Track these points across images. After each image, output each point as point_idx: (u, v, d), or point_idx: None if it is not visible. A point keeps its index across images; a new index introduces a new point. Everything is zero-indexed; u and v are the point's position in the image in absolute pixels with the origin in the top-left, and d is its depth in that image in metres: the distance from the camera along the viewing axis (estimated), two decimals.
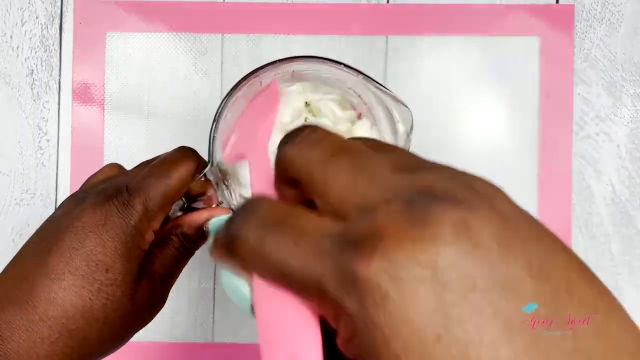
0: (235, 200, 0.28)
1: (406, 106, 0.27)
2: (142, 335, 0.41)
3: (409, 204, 0.13)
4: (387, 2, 0.42)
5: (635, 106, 0.41)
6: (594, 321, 0.12)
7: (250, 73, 0.28)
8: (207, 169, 0.27)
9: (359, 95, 0.31)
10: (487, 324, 0.12)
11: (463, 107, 0.42)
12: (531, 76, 0.42)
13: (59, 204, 0.42)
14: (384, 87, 0.28)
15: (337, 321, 0.13)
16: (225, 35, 0.42)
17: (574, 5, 0.41)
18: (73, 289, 0.23)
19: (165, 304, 0.42)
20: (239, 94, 0.28)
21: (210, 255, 0.17)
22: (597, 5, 0.41)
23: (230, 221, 0.15)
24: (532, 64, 0.41)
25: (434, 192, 0.13)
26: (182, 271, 0.42)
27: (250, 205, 0.15)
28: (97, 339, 0.24)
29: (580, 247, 0.41)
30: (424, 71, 0.42)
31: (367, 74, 0.28)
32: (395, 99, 0.28)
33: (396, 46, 0.42)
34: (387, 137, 0.29)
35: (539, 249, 0.13)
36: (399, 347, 0.12)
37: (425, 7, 0.42)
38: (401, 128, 0.28)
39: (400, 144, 0.28)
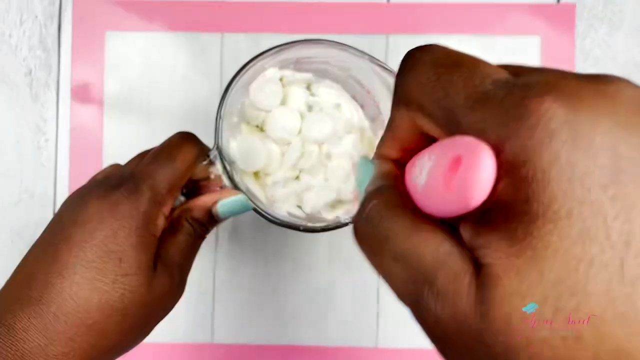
0: (241, 185, 0.28)
1: None
2: None
3: (580, 75, 0.12)
4: (387, 1, 0.42)
5: None
6: None
7: (255, 57, 0.27)
8: (212, 153, 0.27)
9: (361, 82, 0.30)
10: None
11: None
12: None
13: (58, 203, 0.41)
14: (388, 66, 0.27)
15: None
16: (224, 34, 0.41)
17: (575, 4, 0.41)
18: (87, 283, 0.23)
19: None
20: (243, 78, 0.28)
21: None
22: (598, 5, 0.41)
23: (403, 59, 0.15)
24: (532, 64, 0.41)
25: (608, 76, 0.12)
26: None
27: (426, 47, 0.15)
28: (118, 331, 0.23)
29: None
30: None
31: (373, 56, 0.28)
32: None
33: (396, 46, 0.41)
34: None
35: None
36: (559, 189, 0.11)
37: (425, 6, 0.42)
38: None
39: None
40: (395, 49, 0.41)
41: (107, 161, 0.41)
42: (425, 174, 0.13)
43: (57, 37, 0.42)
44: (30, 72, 0.42)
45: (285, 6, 0.42)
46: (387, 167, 0.16)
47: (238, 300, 0.41)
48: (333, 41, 0.28)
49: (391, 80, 0.27)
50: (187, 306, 0.41)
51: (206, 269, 0.41)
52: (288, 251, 0.41)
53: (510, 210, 0.11)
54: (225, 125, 0.27)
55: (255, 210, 0.27)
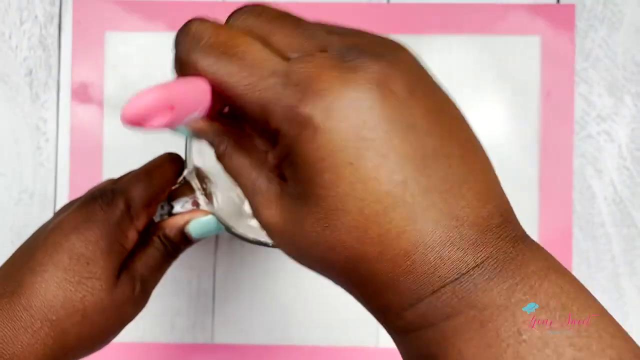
0: (215, 204, 0.29)
1: None
2: (142, 336, 0.41)
3: (340, 54, 0.16)
4: (387, 1, 0.42)
5: (637, 105, 0.41)
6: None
7: None
8: (185, 172, 0.28)
9: None
10: (390, 155, 0.15)
11: (463, 107, 0.41)
12: (532, 76, 0.41)
13: (58, 203, 0.41)
14: None
15: (274, 143, 0.17)
16: None
17: (574, 4, 0.41)
18: (55, 280, 0.24)
19: (165, 304, 0.42)
20: None
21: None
22: (598, 5, 0.41)
23: (176, 44, 0.19)
24: (532, 64, 0.41)
25: (361, 48, 0.16)
26: (182, 272, 0.42)
27: (194, 28, 0.18)
28: (77, 332, 0.25)
29: (581, 247, 0.41)
30: None
31: None
32: None
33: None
34: None
35: (435, 98, 0.17)
36: (319, 167, 0.16)
37: (425, 6, 0.42)
38: None
39: None
40: None
41: (107, 161, 0.41)
42: None
43: (57, 38, 0.42)
44: (30, 72, 0.42)
45: (285, 7, 0.42)
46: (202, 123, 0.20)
47: (238, 300, 0.41)
48: None
49: None
50: (187, 307, 0.41)
51: (206, 269, 0.41)
52: None
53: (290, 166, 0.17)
54: (195, 148, 0.28)
55: (227, 230, 0.28)
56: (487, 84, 0.41)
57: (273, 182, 0.18)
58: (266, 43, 0.17)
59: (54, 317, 0.24)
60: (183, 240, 0.29)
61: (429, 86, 0.17)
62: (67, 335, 0.25)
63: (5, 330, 0.24)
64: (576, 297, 0.16)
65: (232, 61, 0.17)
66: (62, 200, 0.41)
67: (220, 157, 0.20)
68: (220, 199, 0.30)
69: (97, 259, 0.25)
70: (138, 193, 0.27)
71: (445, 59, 0.41)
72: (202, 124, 0.19)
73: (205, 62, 0.17)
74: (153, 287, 0.28)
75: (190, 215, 0.28)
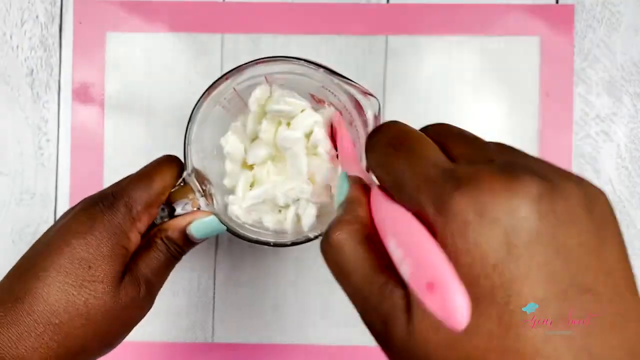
0: (216, 205, 0.29)
1: (374, 97, 0.28)
2: (142, 335, 0.41)
3: (508, 166, 0.16)
4: (387, 2, 0.42)
5: (635, 106, 0.41)
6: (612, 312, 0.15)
7: (214, 82, 0.28)
8: (185, 174, 0.28)
9: (333, 93, 0.31)
10: (535, 270, 0.15)
11: (463, 107, 0.42)
12: (531, 76, 0.42)
13: (58, 203, 0.42)
14: (349, 80, 0.28)
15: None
16: (225, 35, 0.42)
17: (573, 5, 0.41)
18: (57, 285, 0.25)
19: (165, 304, 0.42)
20: (207, 102, 0.29)
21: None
22: (596, 5, 0.41)
23: (368, 137, 0.19)
24: (532, 64, 0.41)
25: (529, 167, 0.16)
26: (182, 272, 0.42)
27: (383, 127, 0.19)
28: (81, 335, 0.25)
29: None
30: (424, 71, 0.42)
31: (331, 69, 0.28)
32: (362, 91, 0.28)
33: (396, 46, 0.42)
34: (359, 129, 0.30)
35: (599, 234, 0.15)
36: (465, 263, 0.15)
37: (425, 7, 0.42)
38: (369, 113, 0.28)
39: (370, 127, 0.28)
40: (395, 49, 0.42)
41: (107, 161, 0.42)
42: (402, 271, 0.16)
43: (58, 38, 0.42)
44: (31, 73, 0.42)
45: (285, 7, 0.42)
46: (357, 193, 0.20)
47: (238, 300, 0.41)
48: (290, 57, 0.28)
49: (352, 90, 0.29)
50: (187, 306, 0.41)
51: (206, 268, 0.41)
52: (288, 250, 0.41)
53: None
54: (194, 150, 0.29)
55: (228, 230, 0.28)
56: (486, 84, 0.42)
57: (400, 288, 0.17)
58: (443, 150, 0.18)
59: (57, 321, 0.24)
60: (186, 242, 0.29)
61: (602, 223, 0.16)
62: (72, 338, 0.25)
63: (9, 334, 0.24)
64: None
65: (404, 154, 0.17)
66: (63, 200, 0.42)
67: (339, 242, 0.19)
68: (219, 198, 0.30)
69: (99, 262, 0.25)
70: (139, 195, 0.27)
71: (445, 59, 0.42)
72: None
73: (385, 152, 0.18)
74: (158, 290, 0.29)
75: (192, 216, 0.28)
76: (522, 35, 0.42)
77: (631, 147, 0.41)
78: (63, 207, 0.41)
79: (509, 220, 0.15)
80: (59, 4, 0.42)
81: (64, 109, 0.42)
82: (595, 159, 0.41)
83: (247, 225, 0.31)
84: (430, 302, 0.15)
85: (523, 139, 0.41)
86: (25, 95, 0.42)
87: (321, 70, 0.28)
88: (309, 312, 0.41)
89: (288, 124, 0.30)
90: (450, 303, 0.14)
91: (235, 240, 0.41)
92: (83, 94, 0.42)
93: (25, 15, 0.42)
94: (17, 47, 0.42)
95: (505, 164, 0.16)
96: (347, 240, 0.18)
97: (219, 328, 0.41)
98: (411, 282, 0.16)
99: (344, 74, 0.28)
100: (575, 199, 0.15)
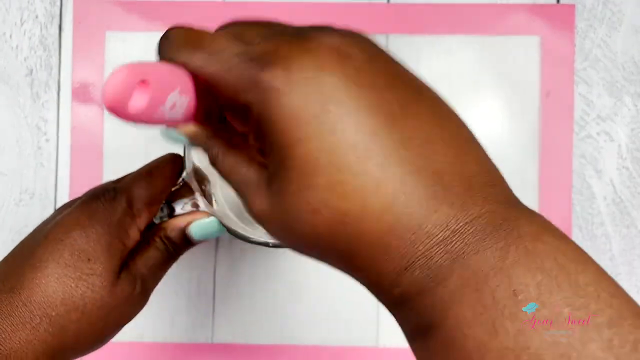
0: (215, 205, 0.29)
1: None
2: (142, 335, 0.41)
3: (297, 32, 0.17)
4: (387, 1, 0.42)
5: (636, 106, 0.41)
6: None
7: None
8: (184, 174, 0.28)
9: None
10: (354, 109, 0.16)
11: (463, 107, 0.41)
12: (531, 76, 0.41)
13: (58, 203, 0.42)
14: None
15: (246, 119, 0.17)
16: None
17: (574, 4, 0.41)
18: (55, 276, 0.24)
19: (165, 304, 0.42)
20: None
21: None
22: (597, 5, 0.41)
23: (158, 47, 0.19)
24: (532, 64, 0.41)
25: (318, 27, 0.17)
26: (182, 272, 0.42)
27: (172, 32, 0.19)
28: (76, 329, 0.25)
29: (580, 246, 0.41)
30: (424, 71, 0.41)
31: None
32: None
33: (396, 46, 0.41)
34: None
35: (392, 65, 0.18)
36: (286, 128, 0.16)
37: (425, 7, 0.42)
38: None
39: None
40: (395, 49, 0.41)
41: (107, 161, 0.42)
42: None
43: (58, 38, 0.42)
44: (30, 73, 0.42)
45: (285, 6, 0.42)
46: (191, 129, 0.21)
47: (238, 300, 0.41)
48: None
49: None
50: (187, 306, 0.41)
51: (206, 268, 0.41)
52: (288, 251, 0.41)
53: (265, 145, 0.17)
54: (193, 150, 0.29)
55: (228, 231, 0.28)
56: (487, 84, 0.41)
57: (261, 172, 0.18)
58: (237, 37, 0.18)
59: (53, 313, 0.24)
60: (184, 242, 0.29)
61: (384, 54, 0.18)
62: (66, 332, 0.25)
63: (4, 325, 0.23)
64: (573, 257, 0.16)
65: (201, 51, 0.17)
66: (63, 200, 0.41)
67: (213, 161, 0.20)
68: (220, 199, 0.30)
69: (98, 256, 0.25)
70: (140, 192, 0.27)
71: (445, 59, 0.42)
72: (193, 129, 0.20)
73: (180, 55, 0.18)
74: (153, 288, 0.28)
75: (192, 217, 0.28)
76: (522, 35, 0.41)
77: (632, 147, 0.41)
78: None
79: (315, 76, 0.16)
80: (58, 3, 0.42)
81: (64, 109, 0.42)
82: (596, 159, 0.41)
83: (244, 226, 0.31)
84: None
85: (523, 138, 0.41)
86: (24, 95, 0.42)
87: None
88: (309, 312, 0.41)
89: None
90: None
91: (235, 241, 0.41)
92: (82, 94, 0.42)
93: (25, 15, 0.42)
94: (17, 47, 0.42)
95: (296, 31, 0.17)
96: (215, 154, 0.20)
97: (219, 328, 0.41)
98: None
99: None
100: (363, 43, 0.17)
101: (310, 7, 0.42)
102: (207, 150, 0.20)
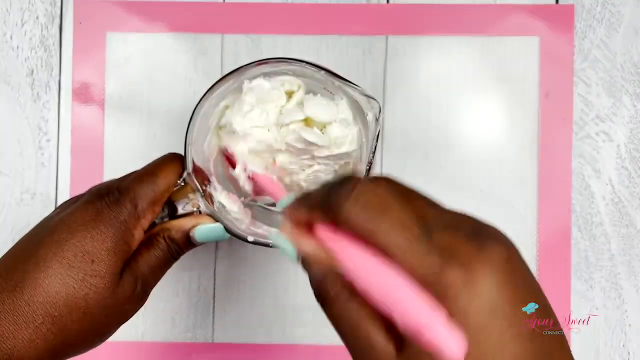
0: (215, 205, 0.29)
1: (374, 99, 0.28)
2: (142, 335, 0.41)
3: (472, 233, 0.18)
4: (387, 2, 0.42)
5: (635, 106, 0.41)
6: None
7: (215, 83, 0.29)
8: (185, 175, 0.28)
9: (332, 94, 0.31)
10: (509, 335, 0.17)
11: (463, 107, 0.42)
12: (531, 76, 0.42)
13: (59, 204, 0.42)
14: (350, 82, 0.28)
15: None
16: (225, 35, 0.42)
17: (573, 5, 0.41)
18: (59, 277, 0.24)
19: (165, 304, 0.42)
20: (207, 102, 0.29)
21: (288, 212, 0.20)
22: (596, 6, 0.42)
23: (332, 188, 0.19)
24: (531, 64, 0.41)
25: (484, 230, 0.18)
26: (182, 272, 0.42)
27: (354, 183, 0.19)
28: (77, 329, 0.25)
29: (579, 246, 0.41)
30: (424, 71, 0.42)
31: (332, 71, 0.28)
32: (362, 93, 0.28)
33: (396, 46, 0.42)
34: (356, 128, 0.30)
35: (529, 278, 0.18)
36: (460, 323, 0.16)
37: (425, 7, 0.42)
38: (370, 115, 0.28)
39: (371, 129, 0.28)
40: (395, 49, 0.42)
41: (108, 161, 0.42)
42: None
43: (59, 38, 0.42)
44: (31, 73, 0.42)
45: (285, 7, 0.42)
46: (310, 245, 0.20)
47: (238, 299, 0.41)
48: (290, 58, 0.28)
49: (352, 92, 0.28)
50: (188, 306, 0.41)
51: (206, 268, 0.41)
52: None
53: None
54: (194, 151, 0.29)
55: (228, 231, 0.29)
56: (486, 84, 0.42)
57: (390, 344, 0.18)
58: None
59: (56, 313, 0.24)
60: (186, 243, 0.29)
61: (526, 271, 0.19)
62: (68, 331, 0.25)
63: (7, 324, 0.23)
64: None
65: (385, 225, 0.18)
66: (63, 200, 0.41)
67: (330, 300, 0.19)
68: (216, 202, 0.30)
69: (102, 258, 0.25)
70: (144, 192, 0.27)
71: (444, 59, 0.42)
72: (322, 254, 0.19)
73: (368, 225, 0.18)
74: (152, 287, 0.29)
75: (197, 220, 0.29)
76: (522, 35, 0.42)
77: (631, 147, 0.41)
78: None
79: (489, 289, 0.17)
80: (59, 4, 0.42)
81: (64, 109, 0.42)
82: (595, 159, 0.41)
83: (244, 226, 0.31)
84: (424, 344, 0.16)
85: (523, 139, 0.41)
86: (25, 96, 0.42)
87: (322, 72, 0.28)
88: (309, 312, 0.41)
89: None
90: (440, 341, 0.16)
91: (235, 241, 0.41)
92: (83, 94, 0.42)
93: (26, 15, 0.42)
94: (18, 47, 0.42)
95: (469, 232, 0.18)
96: (344, 294, 0.19)
97: (219, 328, 0.41)
98: (403, 329, 0.17)
99: (344, 76, 0.28)
100: (515, 256, 0.18)
101: (311, 8, 0.42)
102: (324, 283, 0.19)
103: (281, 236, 0.20)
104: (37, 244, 0.26)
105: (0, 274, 0.25)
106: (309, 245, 0.20)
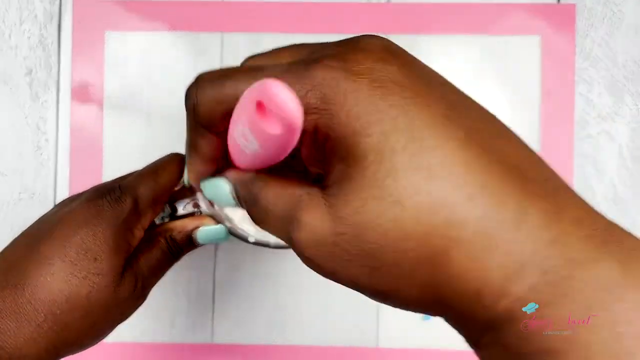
0: (217, 206, 0.29)
1: None
2: (142, 335, 0.41)
3: (343, 40, 0.17)
4: (387, 1, 0.42)
5: (637, 105, 0.41)
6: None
7: None
8: (185, 175, 0.28)
9: None
10: (431, 107, 0.16)
11: None
12: (532, 75, 0.41)
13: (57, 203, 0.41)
14: None
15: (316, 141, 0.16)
16: (225, 34, 0.41)
17: (575, 4, 0.41)
18: (61, 275, 0.24)
19: (165, 304, 0.42)
20: None
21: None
22: (598, 4, 0.41)
23: (187, 94, 0.18)
24: (533, 64, 0.41)
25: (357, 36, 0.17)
26: (182, 272, 0.42)
27: (199, 76, 0.18)
28: (78, 327, 0.25)
29: None
30: None
31: None
32: None
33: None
34: None
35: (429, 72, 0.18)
36: (358, 122, 0.15)
37: (425, 6, 0.42)
38: None
39: None
40: None
41: (107, 161, 0.41)
42: (252, 139, 0.16)
43: (57, 37, 0.42)
44: (30, 72, 0.42)
45: (285, 6, 0.42)
46: (232, 174, 0.19)
47: (238, 300, 0.41)
48: None
49: None
50: (187, 306, 0.41)
51: (206, 269, 0.41)
52: (288, 251, 0.41)
53: (329, 154, 0.16)
54: None
55: (232, 233, 0.29)
56: (487, 84, 0.41)
57: (316, 190, 0.16)
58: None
59: (58, 312, 0.24)
60: (188, 244, 0.29)
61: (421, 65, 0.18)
62: (70, 329, 0.25)
63: (9, 322, 0.23)
64: None
65: (261, 73, 0.17)
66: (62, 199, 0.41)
67: (255, 199, 0.18)
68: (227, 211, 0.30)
69: (104, 256, 0.25)
70: (145, 191, 0.27)
71: (445, 58, 0.41)
72: (238, 175, 0.19)
73: (243, 82, 0.17)
74: (152, 287, 0.29)
75: (199, 221, 0.29)
76: (523, 34, 0.41)
77: (632, 146, 0.41)
78: None
79: (371, 74, 0.15)
80: (57, 3, 0.42)
81: (63, 109, 0.42)
82: (597, 158, 0.41)
83: (246, 226, 0.31)
84: (262, 119, 0.15)
85: (524, 138, 0.41)
86: (24, 95, 0.42)
87: None
88: (308, 312, 0.41)
89: None
90: (283, 99, 0.14)
91: (235, 241, 0.41)
92: (82, 94, 0.42)
93: (24, 14, 0.42)
94: (16, 46, 0.42)
95: (339, 42, 0.17)
96: (244, 192, 0.19)
97: (219, 328, 0.41)
98: (238, 133, 0.16)
99: None
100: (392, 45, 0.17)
101: (311, 8, 0.41)
102: (246, 195, 0.18)
103: (207, 180, 0.20)
104: (38, 240, 0.25)
105: (1, 271, 0.25)
106: (230, 174, 0.19)
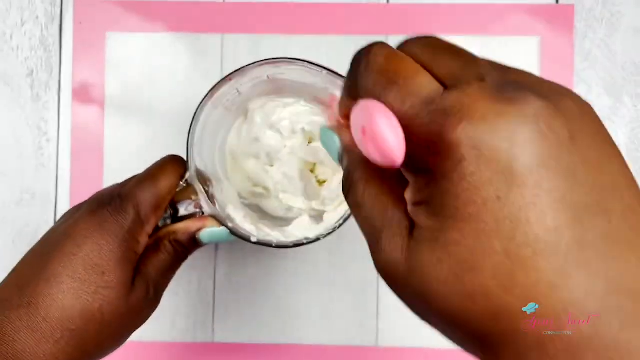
0: (219, 207, 0.29)
1: None
2: (142, 335, 0.41)
3: (500, 86, 0.15)
4: (387, 1, 0.42)
5: (636, 106, 0.41)
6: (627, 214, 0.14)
7: (217, 83, 0.29)
8: (187, 176, 0.28)
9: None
10: (542, 197, 0.14)
11: None
12: None
13: (59, 204, 0.42)
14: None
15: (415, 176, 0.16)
16: (225, 35, 0.42)
17: (573, 5, 0.41)
18: (72, 292, 0.25)
19: (165, 304, 0.42)
20: (210, 103, 0.29)
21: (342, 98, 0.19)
22: (597, 6, 0.41)
23: (352, 64, 0.17)
24: (531, 64, 0.41)
25: (523, 84, 0.15)
26: (182, 272, 0.42)
27: (371, 59, 0.17)
28: (96, 339, 0.25)
29: None
30: None
31: (334, 71, 0.28)
32: None
33: (396, 46, 0.41)
34: None
35: (600, 149, 0.15)
36: (462, 199, 0.14)
37: (425, 6, 0.42)
38: None
39: None
40: None
41: (108, 162, 0.42)
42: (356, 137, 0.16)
43: (59, 38, 0.42)
44: (31, 73, 0.42)
45: (285, 7, 0.42)
46: (348, 136, 0.19)
47: (238, 299, 0.41)
48: (292, 58, 0.28)
49: None
50: (188, 306, 0.41)
51: (206, 268, 0.41)
52: (288, 250, 0.41)
53: (432, 204, 0.15)
54: (196, 152, 0.29)
55: (230, 231, 0.29)
56: None
57: (405, 219, 0.16)
58: (430, 70, 0.16)
59: (73, 327, 0.24)
60: (192, 245, 0.29)
61: (596, 136, 0.15)
62: (87, 342, 0.25)
63: (28, 340, 0.24)
64: None
65: (393, 88, 0.16)
66: (63, 200, 0.42)
67: (352, 184, 0.18)
68: (218, 203, 0.30)
69: (112, 268, 0.25)
70: (146, 197, 0.27)
71: None
72: (350, 141, 0.18)
73: (375, 91, 0.16)
74: (164, 289, 0.29)
75: (202, 223, 0.29)
76: (522, 35, 0.42)
77: (632, 147, 0.41)
78: (63, 207, 0.41)
79: (508, 147, 0.14)
80: (59, 4, 0.42)
81: (64, 109, 0.42)
82: None
83: (246, 226, 0.31)
84: (365, 144, 0.15)
85: None
86: (25, 96, 0.42)
87: (324, 72, 0.28)
88: (309, 312, 0.41)
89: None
90: (381, 137, 0.14)
91: (236, 240, 0.41)
92: (83, 94, 0.42)
93: (26, 15, 0.42)
94: (17, 47, 0.42)
95: (497, 83, 0.15)
96: (357, 182, 0.18)
97: (219, 328, 0.41)
98: (355, 137, 0.16)
99: (345, 75, 0.28)
100: (571, 114, 0.15)
101: (310, 7, 0.42)
102: (349, 171, 0.18)
103: (326, 130, 0.19)
104: (45, 259, 0.26)
105: (13, 290, 0.25)
106: (346, 136, 0.18)
